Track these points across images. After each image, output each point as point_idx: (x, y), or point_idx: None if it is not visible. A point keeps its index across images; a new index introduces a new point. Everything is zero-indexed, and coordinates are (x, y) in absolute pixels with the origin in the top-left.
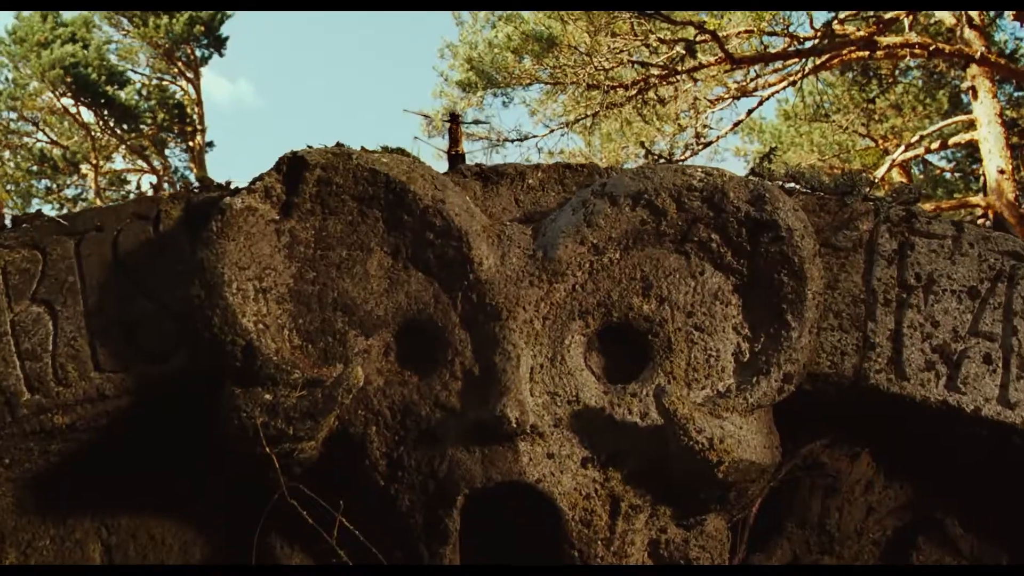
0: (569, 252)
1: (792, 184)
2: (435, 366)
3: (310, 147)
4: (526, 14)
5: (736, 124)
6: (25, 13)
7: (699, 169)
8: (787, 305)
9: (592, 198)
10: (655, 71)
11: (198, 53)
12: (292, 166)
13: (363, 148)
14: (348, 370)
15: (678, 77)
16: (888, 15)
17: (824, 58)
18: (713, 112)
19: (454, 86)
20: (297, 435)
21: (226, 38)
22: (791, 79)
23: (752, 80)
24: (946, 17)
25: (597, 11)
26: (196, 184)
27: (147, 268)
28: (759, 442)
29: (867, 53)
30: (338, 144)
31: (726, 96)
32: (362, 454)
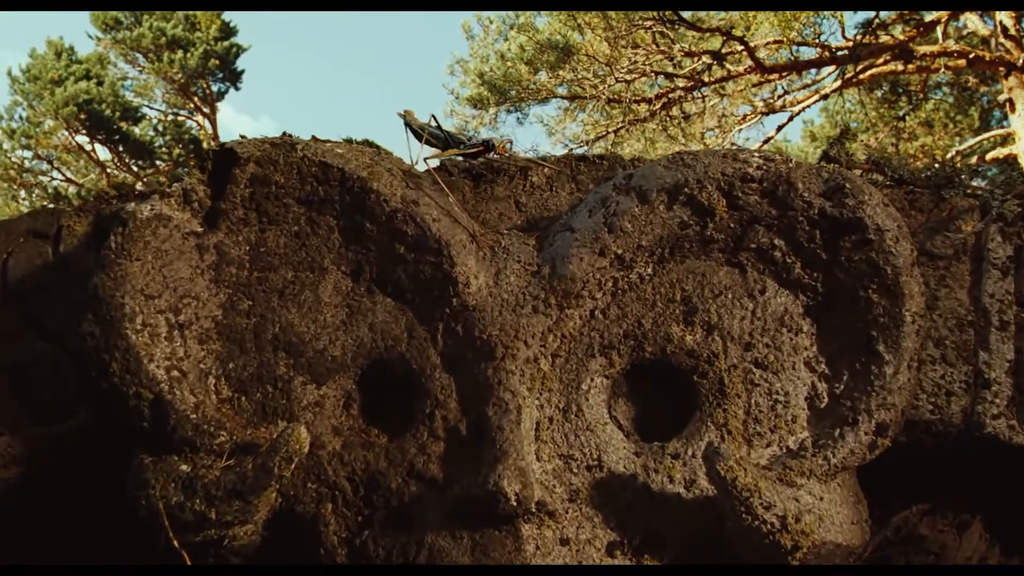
0: (585, 267)
1: (874, 174)
2: (409, 422)
3: (244, 136)
4: (540, 23)
5: (766, 141)
6: (39, 50)
7: (755, 154)
8: (878, 331)
9: (615, 195)
10: (680, 82)
11: (214, 87)
12: (219, 162)
13: (313, 137)
14: (288, 431)
15: (704, 91)
16: (929, 17)
17: (855, 70)
18: (740, 130)
19: (465, 104)
20: (223, 520)
21: (241, 71)
22: (822, 93)
23: (780, 96)
24: (980, 27)
25: (617, 12)
26: (111, 191)
27: (43, 299)
28: (845, 516)
29: (899, 67)
30: (284, 134)
31: (752, 115)
32: (315, 540)
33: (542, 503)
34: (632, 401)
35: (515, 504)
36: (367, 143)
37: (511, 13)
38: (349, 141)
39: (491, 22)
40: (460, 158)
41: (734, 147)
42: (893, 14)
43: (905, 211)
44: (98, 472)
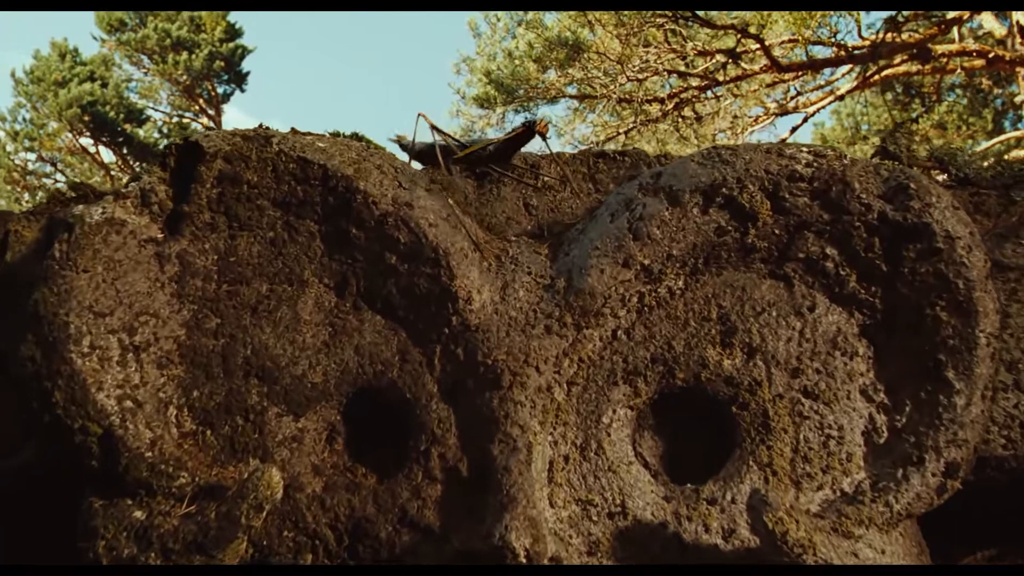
0: (607, 280)
1: (937, 172)
2: (402, 460)
3: (211, 128)
4: (549, 20)
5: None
6: (43, 52)
7: (804, 149)
8: (947, 355)
9: (641, 196)
10: (694, 82)
11: (219, 89)
12: (183, 158)
13: (292, 129)
14: (259, 473)
15: (717, 91)
16: (951, 15)
17: (877, 67)
18: (752, 132)
19: (471, 103)
20: None
21: (247, 73)
22: (838, 94)
23: (792, 98)
24: (996, 28)
25: (628, 11)
26: (68, 192)
27: None
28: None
29: (912, 68)
30: (260, 126)
31: (765, 117)
32: None
33: (556, 559)
34: (661, 436)
35: (525, 560)
36: (355, 137)
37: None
38: (336, 135)
39: (498, 19)
40: (490, 152)
41: (779, 142)
42: (913, 14)
43: (970, 215)
44: (45, 517)
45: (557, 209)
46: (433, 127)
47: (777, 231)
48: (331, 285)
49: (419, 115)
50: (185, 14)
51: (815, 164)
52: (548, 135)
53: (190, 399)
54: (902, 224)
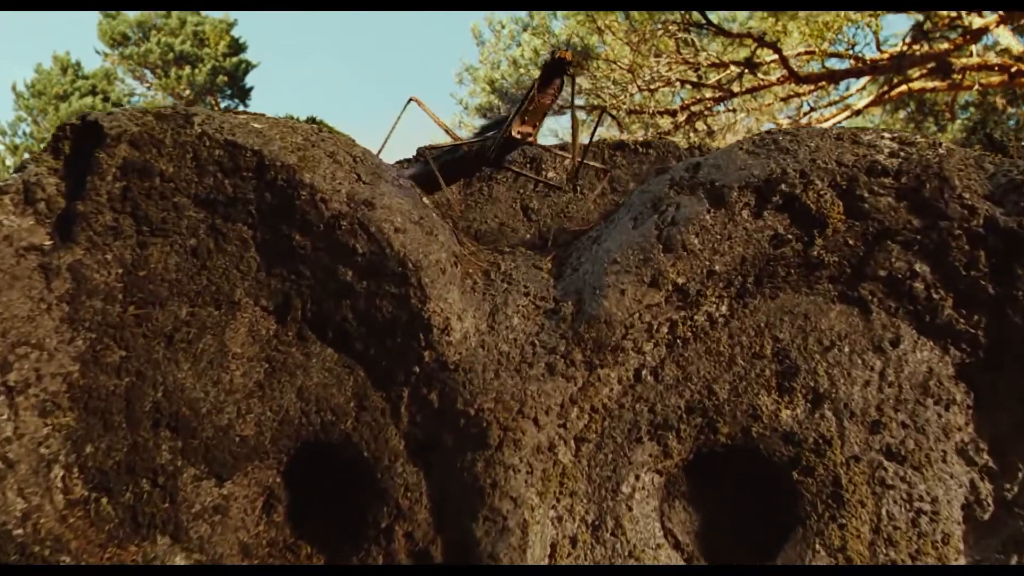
0: (629, 303)
1: None
2: (359, 539)
3: (117, 105)
4: (557, 26)
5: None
6: (45, 66)
7: (885, 135)
8: None
9: (673, 195)
10: (708, 93)
11: (222, 104)
12: (80, 141)
13: (217, 106)
14: (170, 554)
15: (731, 103)
16: (976, 25)
17: (903, 78)
18: None
19: (474, 114)
20: None
21: (251, 88)
22: (855, 109)
23: (806, 113)
24: (1013, 44)
25: (640, 13)
26: None
27: None
28: None
29: (928, 84)
30: (177, 104)
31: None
32: None
33: None
34: (697, 510)
35: None
36: (312, 121)
37: (524, 15)
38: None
39: (503, 26)
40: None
41: (851, 127)
42: (943, 18)
43: None
44: None
45: (563, 213)
46: (428, 112)
47: (851, 241)
48: (269, 308)
49: (410, 99)
50: (189, 28)
51: (902, 154)
52: (573, 68)
53: (82, 456)
54: (1016, 233)
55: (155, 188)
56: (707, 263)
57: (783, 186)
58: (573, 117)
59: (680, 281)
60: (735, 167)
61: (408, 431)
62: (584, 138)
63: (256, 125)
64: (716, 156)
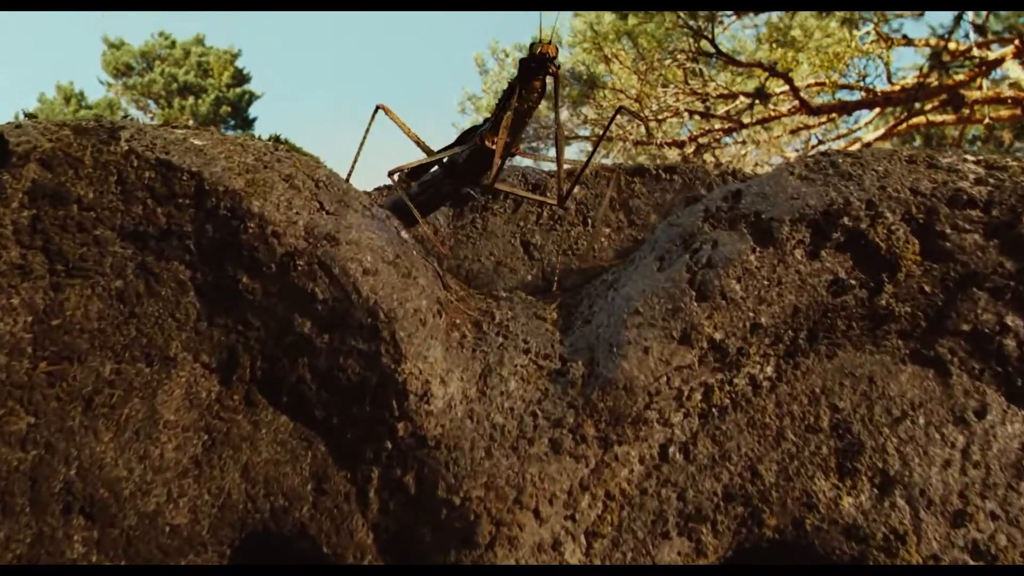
0: (653, 365)
1: None
2: None
3: (29, 116)
4: (562, 55)
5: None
6: (48, 95)
7: (968, 157)
8: None
9: (709, 229)
10: (717, 124)
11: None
12: None
13: (150, 121)
14: None
15: (739, 135)
16: (993, 56)
17: (896, 121)
18: None
19: None
20: None
21: (254, 119)
22: (865, 142)
23: (814, 147)
24: (1022, 77)
25: (649, 41)
26: None
27: None
28: None
29: (936, 118)
30: (100, 117)
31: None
32: None
33: None
34: None
35: None
36: (275, 140)
37: (528, 44)
38: (253, 136)
39: (506, 55)
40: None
41: (924, 148)
42: (957, 48)
43: None
44: None
45: (571, 249)
46: (397, 122)
47: (928, 287)
48: (211, 365)
49: (378, 107)
50: (193, 59)
51: (991, 181)
52: (557, 62)
53: None
54: None
55: (72, 218)
56: (751, 314)
57: (846, 219)
58: (557, 123)
59: (718, 337)
60: (785, 196)
61: (378, 522)
62: (591, 154)
63: (196, 142)
64: (760, 182)
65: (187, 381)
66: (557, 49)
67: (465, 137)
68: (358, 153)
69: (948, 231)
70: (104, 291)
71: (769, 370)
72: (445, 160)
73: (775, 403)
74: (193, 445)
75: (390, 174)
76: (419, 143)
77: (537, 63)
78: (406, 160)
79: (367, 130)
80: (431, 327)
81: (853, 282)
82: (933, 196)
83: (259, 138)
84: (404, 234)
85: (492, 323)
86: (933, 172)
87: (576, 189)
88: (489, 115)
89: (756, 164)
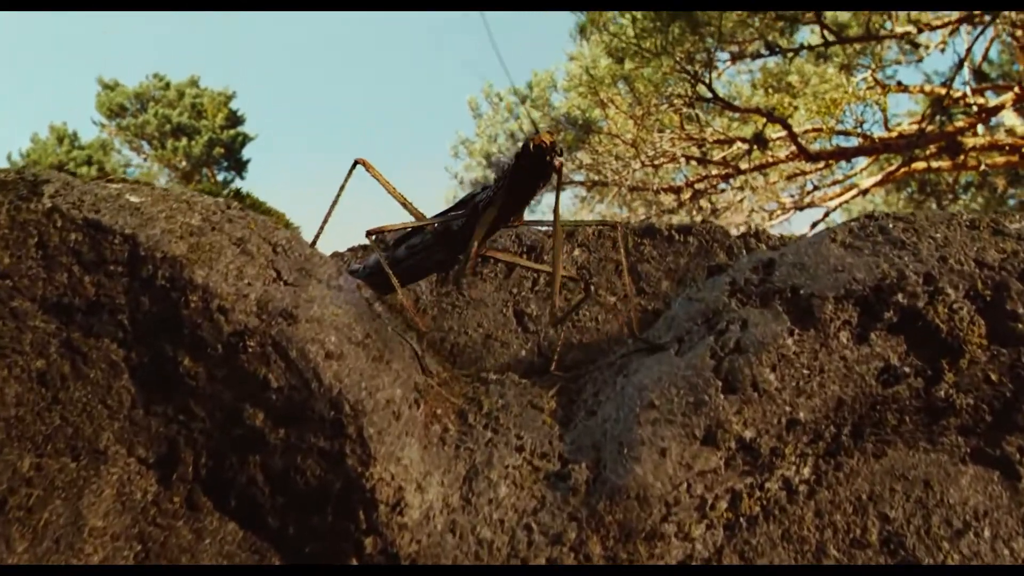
0: (671, 470)
1: None
2: None
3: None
4: (556, 99)
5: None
6: (41, 135)
7: None
8: None
9: (735, 306)
10: (714, 169)
11: (219, 176)
12: None
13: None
14: None
15: (736, 181)
16: (993, 103)
17: (894, 167)
18: (770, 225)
19: (469, 189)
20: None
21: (247, 161)
22: (861, 188)
23: (809, 192)
24: (1017, 124)
25: (646, 86)
26: None
27: None
28: None
29: (932, 164)
30: (24, 169)
31: (781, 212)
32: None
33: None
34: None
35: None
36: (237, 196)
37: (522, 87)
38: (210, 191)
39: (500, 98)
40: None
41: (987, 212)
42: (953, 95)
43: None
44: None
45: (574, 325)
46: (379, 179)
47: (995, 376)
48: (148, 461)
49: (356, 162)
50: (187, 100)
51: None
52: (560, 149)
53: None
54: None
55: None
56: (787, 408)
57: (899, 296)
58: (556, 228)
59: (748, 435)
60: (827, 267)
61: None
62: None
63: (133, 199)
64: (797, 251)
65: (119, 479)
66: (553, 137)
67: (463, 204)
68: (329, 212)
69: (1020, 310)
70: (23, 372)
71: (807, 472)
72: (437, 225)
73: (814, 512)
74: (124, 557)
75: (369, 234)
76: (404, 203)
77: (535, 160)
78: (389, 218)
79: (342, 187)
80: (406, 421)
81: (907, 370)
82: (1002, 269)
83: (208, 195)
84: (378, 306)
85: (479, 413)
86: (1000, 240)
87: (577, 252)
88: (494, 178)
89: (752, 210)
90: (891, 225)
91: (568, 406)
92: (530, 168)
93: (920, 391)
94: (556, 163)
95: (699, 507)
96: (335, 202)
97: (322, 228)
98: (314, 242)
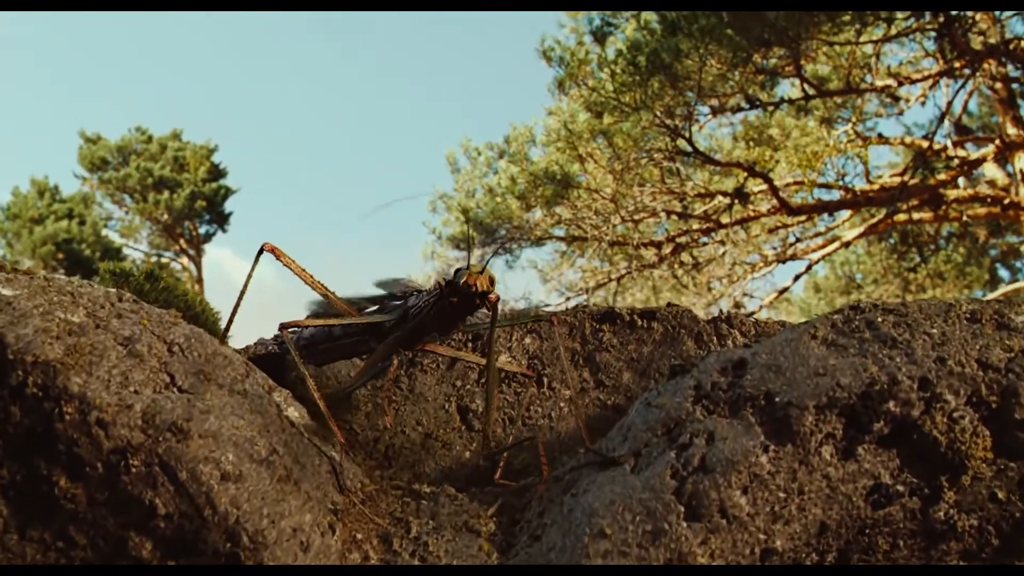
0: None
1: None
2: None
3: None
4: (536, 154)
5: (781, 292)
6: (22, 189)
7: None
8: None
9: (700, 414)
10: (695, 224)
11: (201, 229)
12: None
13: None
14: None
15: (717, 235)
16: (975, 156)
17: (876, 220)
18: (753, 278)
19: (447, 244)
20: None
21: (229, 213)
22: (844, 241)
23: (791, 245)
24: (999, 176)
25: (625, 141)
26: None
27: None
28: None
29: (914, 215)
30: None
31: (763, 264)
32: None
33: None
34: None
35: None
36: (149, 277)
37: (502, 142)
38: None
39: (479, 153)
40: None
41: (990, 301)
42: (934, 148)
43: None
44: None
45: (522, 419)
46: (289, 266)
47: (1001, 494)
48: None
49: (263, 248)
50: (169, 153)
51: None
52: (496, 297)
53: None
54: None
55: None
56: (762, 537)
57: (891, 404)
58: (490, 363)
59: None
60: (807, 371)
61: None
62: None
63: (4, 291)
64: (772, 348)
65: None
66: (493, 281)
67: (387, 297)
68: (238, 303)
69: None
70: None
71: None
72: (364, 322)
73: None
74: None
75: (282, 328)
76: (322, 291)
77: (466, 299)
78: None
79: (249, 275)
80: (317, 551)
81: (901, 488)
82: (1009, 371)
83: (99, 287)
84: (292, 411)
85: (407, 538)
86: (1006, 336)
87: (528, 340)
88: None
89: (734, 263)
90: (880, 319)
91: (510, 528)
92: (461, 303)
93: (916, 512)
94: (492, 297)
95: None
96: (243, 291)
97: (231, 320)
98: (224, 334)
